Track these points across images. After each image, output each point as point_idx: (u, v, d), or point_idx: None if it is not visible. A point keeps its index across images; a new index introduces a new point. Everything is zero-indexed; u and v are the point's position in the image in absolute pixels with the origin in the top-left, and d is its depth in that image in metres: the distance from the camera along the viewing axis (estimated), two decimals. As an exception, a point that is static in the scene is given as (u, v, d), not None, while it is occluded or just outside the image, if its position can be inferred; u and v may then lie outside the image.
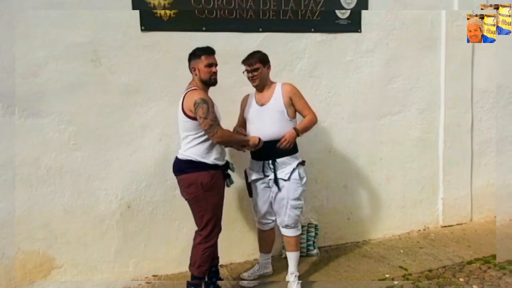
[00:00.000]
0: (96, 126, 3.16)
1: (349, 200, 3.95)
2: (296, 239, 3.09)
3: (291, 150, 2.98)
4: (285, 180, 2.96)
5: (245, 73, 3.00)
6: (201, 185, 2.72)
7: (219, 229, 2.89)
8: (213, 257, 2.96)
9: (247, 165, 3.18)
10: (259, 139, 2.91)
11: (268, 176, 3.00)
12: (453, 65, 4.12)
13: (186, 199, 2.85)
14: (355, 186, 3.96)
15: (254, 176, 3.08)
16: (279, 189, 2.98)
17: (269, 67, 3.03)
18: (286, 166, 2.97)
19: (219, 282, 3.08)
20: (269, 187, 3.04)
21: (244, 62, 2.98)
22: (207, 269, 2.83)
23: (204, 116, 2.62)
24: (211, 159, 2.76)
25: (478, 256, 3.59)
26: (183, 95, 2.77)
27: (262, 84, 3.01)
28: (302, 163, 3.04)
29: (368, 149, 3.96)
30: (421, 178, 4.19)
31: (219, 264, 3.12)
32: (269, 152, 2.96)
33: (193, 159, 2.73)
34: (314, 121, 3.04)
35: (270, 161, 2.97)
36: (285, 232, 3.08)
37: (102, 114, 3.17)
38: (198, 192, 2.73)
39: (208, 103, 2.65)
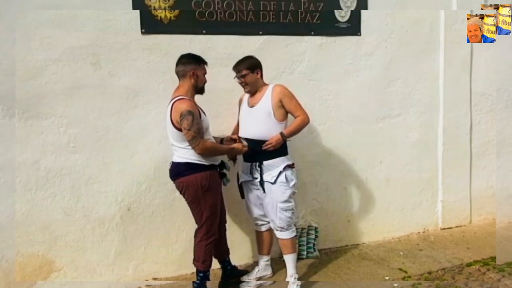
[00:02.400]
0: (95, 129, 3.16)
1: (348, 202, 3.96)
2: (292, 241, 3.09)
3: (278, 152, 2.98)
4: (271, 183, 2.96)
5: (236, 79, 3.03)
6: (200, 186, 2.80)
7: (218, 226, 2.97)
8: (223, 250, 3.19)
9: (239, 167, 3.21)
10: (244, 145, 2.98)
11: (256, 178, 3.02)
12: (451, 68, 4.14)
13: (186, 200, 2.92)
14: (355, 188, 3.97)
15: (244, 178, 3.12)
16: (264, 192, 2.99)
17: (258, 73, 3.01)
18: (273, 169, 2.97)
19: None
20: (258, 189, 3.05)
21: (233, 68, 3.01)
22: (211, 262, 2.95)
23: (188, 128, 2.68)
24: (207, 160, 2.85)
25: (477, 258, 3.59)
26: (170, 104, 2.80)
27: (253, 89, 3.03)
28: (290, 165, 3.02)
29: (368, 151, 3.96)
30: (421, 180, 4.20)
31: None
32: (255, 154, 2.99)
33: (191, 161, 2.81)
34: (304, 123, 3.00)
35: (257, 163, 2.99)
36: (279, 235, 3.08)
37: (102, 116, 3.17)
38: (197, 193, 2.82)
39: (193, 115, 2.69)
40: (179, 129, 2.74)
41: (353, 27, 3.76)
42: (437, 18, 4.07)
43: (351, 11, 3.72)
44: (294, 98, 3.00)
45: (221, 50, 3.31)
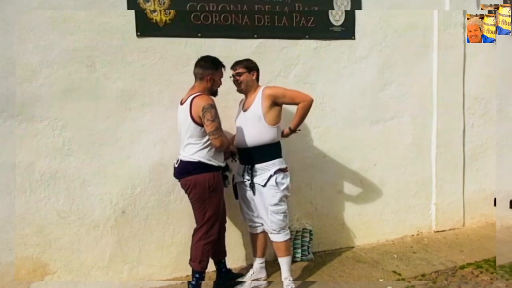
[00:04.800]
0: (90, 132, 3.16)
1: (343, 205, 3.97)
2: (285, 244, 3.10)
3: (270, 156, 3.02)
4: (262, 186, 2.99)
5: (231, 78, 3.08)
6: (207, 186, 2.86)
7: (218, 227, 3.01)
8: (220, 251, 3.22)
9: (236, 169, 3.24)
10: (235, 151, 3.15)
11: (248, 180, 3.06)
12: (445, 72, 4.17)
13: (190, 199, 2.96)
14: (349, 191, 3.98)
15: (237, 179, 3.16)
16: (254, 194, 3.04)
17: (254, 74, 3.06)
18: (264, 172, 3.00)
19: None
20: (250, 190, 3.09)
21: (231, 67, 3.08)
22: (207, 263, 2.97)
23: (212, 119, 2.76)
24: (216, 161, 2.92)
25: (471, 260, 3.62)
26: (189, 101, 2.83)
27: (246, 90, 3.08)
28: (282, 169, 3.04)
29: (362, 154, 3.99)
30: (414, 183, 4.23)
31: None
32: (247, 157, 3.04)
33: (201, 160, 2.87)
34: (307, 107, 3.03)
35: (249, 166, 3.03)
36: (273, 237, 3.09)
37: (97, 119, 3.17)
38: (204, 193, 2.87)
39: (215, 108, 2.80)
40: (200, 124, 2.79)
41: (347, 31, 3.79)
42: (431, 22, 4.11)
43: (345, 15, 3.75)
44: (287, 90, 3.05)
45: (216, 53, 3.29)
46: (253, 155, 3.01)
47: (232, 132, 3.27)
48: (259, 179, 3.00)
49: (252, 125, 3.00)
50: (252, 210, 3.17)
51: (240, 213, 3.29)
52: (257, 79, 3.10)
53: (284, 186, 3.03)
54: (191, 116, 2.81)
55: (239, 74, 3.03)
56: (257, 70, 3.10)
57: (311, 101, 3.05)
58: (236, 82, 3.07)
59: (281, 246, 3.08)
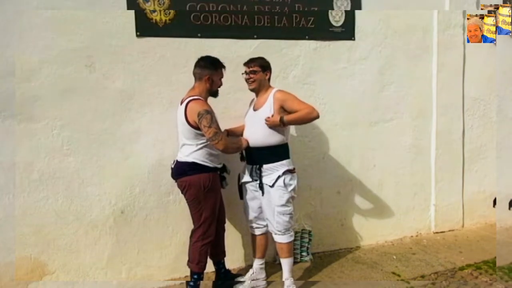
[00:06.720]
0: (90, 132, 3.16)
1: (342, 206, 3.97)
2: (289, 246, 3.09)
3: (279, 157, 3.00)
4: (270, 186, 2.99)
5: (244, 74, 3.05)
6: (203, 186, 2.86)
7: (215, 228, 3.01)
8: (220, 251, 3.23)
9: (240, 169, 3.22)
10: (246, 141, 3.03)
11: (256, 180, 3.04)
12: (444, 73, 4.18)
13: (186, 199, 2.96)
14: (349, 192, 3.98)
15: (244, 179, 3.14)
16: (263, 194, 3.02)
17: (268, 74, 3.06)
18: (272, 173, 2.99)
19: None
20: (257, 191, 3.07)
21: (244, 64, 3.05)
22: (205, 264, 2.97)
23: (209, 125, 2.75)
24: (211, 162, 2.91)
25: (470, 262, 3.62)
26: (185, 104, 2.84)
27: (258, 89, 3.05)
28: (290, 170, 3.04)
29: (361, 155, 3.99)
30: (414, 184, 4.23)
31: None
32: (257, 157, 3.02)
33: (196, 161, 2.87)
34: (309, 115, 2.92)
35: (257, 166, 3.02)
36: (277, 238, 3.08)
37: (96, 119, 3.16)
38: (199, 193, 2.87)
39: (211, 113, 2.79)
40: (195, 127, 2.80)
41: (347, 32, 3.79)
42: (430, 23, 4.11)
43: (345, 16, 3.75)
44: (296, 99, 2.99)
45: (216, 54, 3.29)
46: (261, 155, 3.00)
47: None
48: (267, 179, 2.99)
49: (262, 125, 2.97)
50: (255, 211, 3.15)
51: (243, 213, 3.27)
52: (269, 79, 3.09)
53: (292, 187, 3.03)
54: (186, 119, 2.81)
55: (254, 72, 3.00)
56: (271, 70, 3.08)
57: (315, 115, 2.94)
58: (249, 80, 3.03)
59: (284, 247, 3.08)
